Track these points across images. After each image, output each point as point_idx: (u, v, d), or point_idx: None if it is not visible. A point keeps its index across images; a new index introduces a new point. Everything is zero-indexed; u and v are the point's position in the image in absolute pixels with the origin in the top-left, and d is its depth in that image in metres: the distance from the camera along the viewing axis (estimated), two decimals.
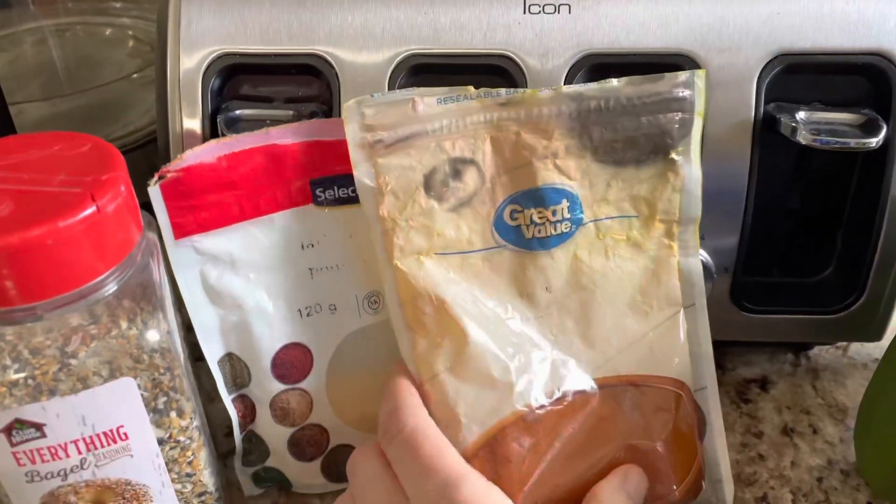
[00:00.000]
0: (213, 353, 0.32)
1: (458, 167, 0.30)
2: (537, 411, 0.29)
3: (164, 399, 0.27)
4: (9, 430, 0.24)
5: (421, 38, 0.34)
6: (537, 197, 0.31)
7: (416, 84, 0.35)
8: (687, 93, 0.31)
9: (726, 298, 0.37)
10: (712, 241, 0.36)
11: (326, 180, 0.31)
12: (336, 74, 0.34)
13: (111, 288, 0.25)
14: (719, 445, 0.32)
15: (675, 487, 0.31)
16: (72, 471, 0.26)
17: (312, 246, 0.32)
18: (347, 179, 0.31)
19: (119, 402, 0.25)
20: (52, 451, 0.25)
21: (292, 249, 0.31)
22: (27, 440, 0.25)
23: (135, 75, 0.52)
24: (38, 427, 0.24)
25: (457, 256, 0.31)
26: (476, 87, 0.35)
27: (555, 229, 0.31)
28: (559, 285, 0.31)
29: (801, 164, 0.37)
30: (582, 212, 0.31)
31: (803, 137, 0.33)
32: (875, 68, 0.34)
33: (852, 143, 0.33)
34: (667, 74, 0.31)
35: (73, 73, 0.53)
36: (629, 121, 0.31)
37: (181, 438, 0.28)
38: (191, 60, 0.34)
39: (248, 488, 0.35)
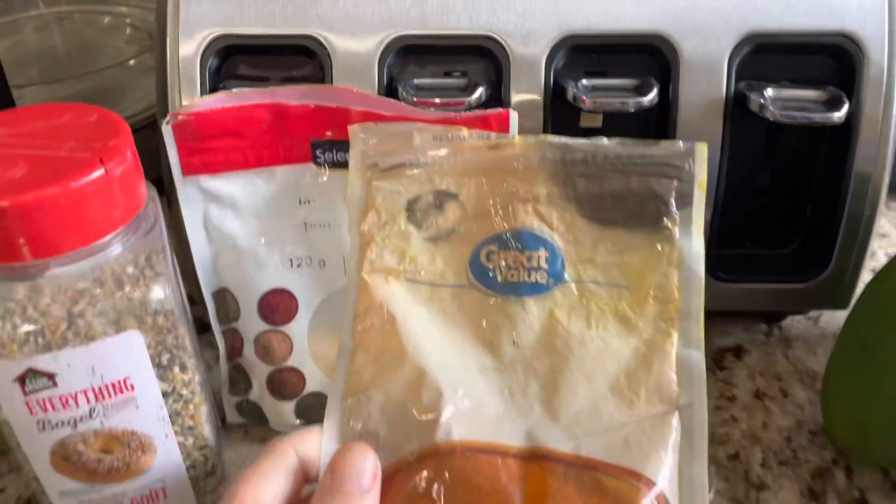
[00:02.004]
0: (208, 286, 0.35)
1: (441, 200, 0.31)
2: (459, 454, 0.27)
3: (168, 356, 0.29)
4: (22, 380, 0.26)
5: (409, 21, 0.36)
6: (514, 239, 0.30)
7: (404, 64, 0.37)
8: (685, 164, 0.30)
9: None
10: None
11: (327, 143, 0.34)
12: (328, 55, 0.36)
13: (117, 248, 0.27)
14: None
15: None
16: (81, 420, 0.27)
17: (309, 202, 0.34)
18: (346, 145, 0.33)
19: (126, 355, 0.27)
20: (63, 400, 0.27)
21: (290, 202, 0.34)
22: (39, 389, 0.26)
23: (132, 62, 0.54)
24: (51, 376, 0.26)
25: (426, 287, 0.30)
26: (461, 68, 0.37)
27: (528, 276, 0.30)
28: (529, 342, 0.29)
29: (771, 141, 0.39)
30: (564, 268, 0.30)
31: (771, 113, 0.35)
32: (839, 48, 0.36)
33: (817, 117, 0.35)
34: (663, 141, 0.30)
35: (73, 58, 0.54)
36: (616, 178, 0.30)
37: (184, 392, 0.30)
38: (189, 41, 0.36)
39: (231, 416, 0.38)
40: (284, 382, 0.37)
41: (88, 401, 0.27)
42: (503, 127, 0.33)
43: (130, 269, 0.28)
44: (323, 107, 0.33)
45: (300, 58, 0.37)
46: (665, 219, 0.29)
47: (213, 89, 0.36)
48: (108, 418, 0.28)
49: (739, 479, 0.36)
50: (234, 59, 0.37)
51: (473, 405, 0.29)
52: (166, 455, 0.30)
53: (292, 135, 0.34)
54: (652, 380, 0.28)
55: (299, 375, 0.37)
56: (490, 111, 0.33)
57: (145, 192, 0.28)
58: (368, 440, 0.28)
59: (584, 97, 0.35)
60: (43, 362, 0.26)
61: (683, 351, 0.29)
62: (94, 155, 0.25)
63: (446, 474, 0.27)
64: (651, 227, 0.30)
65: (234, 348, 0.37)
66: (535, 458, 0.28)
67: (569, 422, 0.28)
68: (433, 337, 0.30)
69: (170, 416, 0.29)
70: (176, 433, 0.30)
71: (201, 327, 0.35)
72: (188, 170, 0.33)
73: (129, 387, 0.27)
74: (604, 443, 0.28)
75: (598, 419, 0.28)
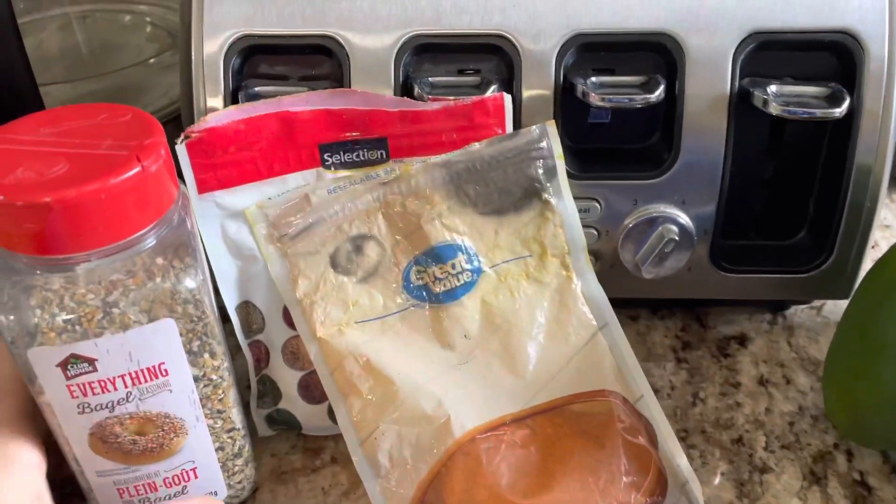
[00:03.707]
0: (231, 300, 0.36)
1: (358, 243, 0.34)
2: (479, 438, 0.32)
3: (198, 343, 0.30)
4: (65, 365, 0.27)
5: (424, 20, 0.37)
6: (434, 255, 0.34)
7: (418, 62, 0.38)
8: (543, 143, 0.35)
9: (706, 260, 0.40)
10: (693, 206, 0.39)
11: (334, 145, 0.35)
12: (346, 54, 0.37)
13: (150, 242, 0.28)
14: (673, 448, 0.34)
15: (636, 494, 0.32)
16: (118, 403, 0.29)
17: None
18: (353, 145, 0.35)
19: (161, 341, 0.29)
20: (102, 384, 0.28)
21: None
22: (80, 374, 0.28)
23: (152, 60, 0.55)
24: (91, 362, 0.28)
25: (375, 322, 0.34)
26: (474, 65, 0.39)
27: (458, 281, 0.34)
28: (476, 331, 0.35)
29: (774, 135, 0.40)
30: (479, 261, 0.35)
31: (774, 109, 0.36)
32: (841, 45, 0.37)
33: (818, 113, 0.36)
34: (520, 131, 0.35)
35: (95, 56, 0.56)
36: (497, 175, 0.35)
37: (213, 377, 0.31)
38: (213, 42, 0.37)
39: (261, 429, 0.39)
40: (316, 385, 0.37)
41: (126, 385, 0.29)
42: (498, 110, 0.35)
43: (160, 260, 0.29)
44: (329, 110, 0.35)
45: (319, 57, 0.38)
46: (542, 193, 0.35)
47: (236, 89, 0.38)
48: (143, 401, 0.29)
49: (743, 462, 0.38)
50: (255, 59, 0.39)
51: (464, 397, 0.33)
52: (197, 437, 0.31)
53: (301, 141, 0.35)
54: (572, 317, 0.35)
55: None
56: (487, 96, 0.35)
57: (177, 184, 0.30)
58: (398, 467, 0.32)
59: (593, 93, 0.36)
60: (84, 348, 0.27)
61: (584, 286, 0.36)
62: (132, 152, 0.26)
63: (479, 457, 0.32)
64: (535, 202, 0.35)
65: (259, 360, 0.37)
66: (528, 416, 0.33)
67: (533, 377, 0.34)
68: (404, 359, 0.34)
69: (200, 400, 0.31)
70: (206, 416, 0.31)
71: (225, 319, 0.36)
72: (203, 187, 0.34)
73: (164, 371, 0.29)
74: (565, 381, 0.34)
75: (551, 364, 0.34)
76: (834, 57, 0.38)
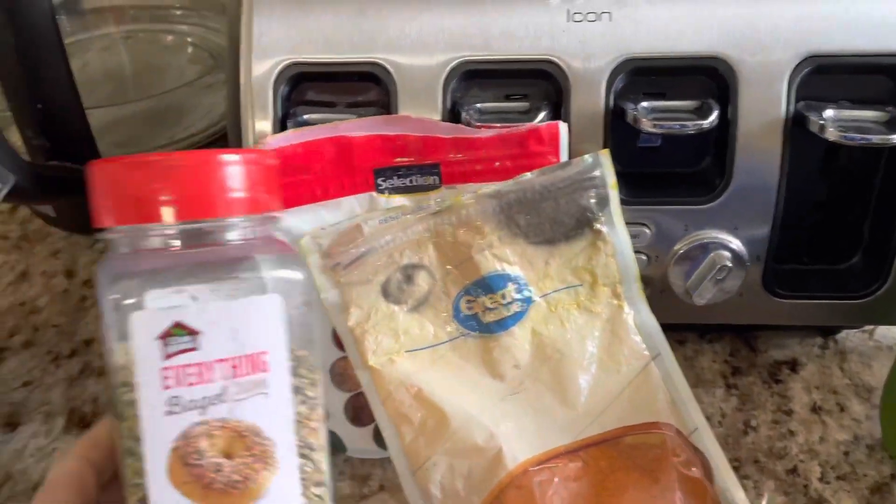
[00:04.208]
0: None
1: (409, 272, 0.34)
2: (531, 471, 0.32)
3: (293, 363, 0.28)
4: (166, 336, 0.26)
5: (472, 46, 0.37)
6: (485, 285, 0.34)
7: (466, 88, 0.38)
8: (596, 172, 0.34)
9: (758, 285, 0.40)
10: (745, 232, 0.38)
11: (388, 170, 0.36)
12: (394, 81, 0.37)
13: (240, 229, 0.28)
14: (729, 481, 0.33)
15: None
16: (212, 402, 0.27)
17: None
18: (407, 170, 0.35)
19: (266, 320, 0.27)
20: (200, 368, 0.27)
21: None
22: (180, 351, 0.26)
23: (194, 82, 0.55)
24: (194, 335, 0.26)
25: (426, 351, 0.34)
26: (522, 91, 0.38)
27: (508, 311, 0.34)
28: (526, 361, 0.34)
29: (829, 159, 0.39)
30: (529, 290, 0.34)
31: (830, 134, 0.35)
32: None
33: (875, 139, 0.35)
34: (573, 161, 0.35)
35: (138, 78, 0.56)
36: (549, 204, 0.34)
37: (310, 393, 0.29)
38: (262, 69, 0.37)
39: None
40: (363, 408, 0.37)
41: (223, 375, 0.27)
42: (553, 139, 0.35)
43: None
44: (385, 136, 0.35)
45: (366, 83, 0.38)
46: (595, 223, 0.35)
47: (284, 116, 0.38)
48: (237, 404, 0.27)
49: (799, 494, 0.37)
50: (304, 85, 0.39)
51: (515, 428, 0.33)
52: (285, 476, 0.28)
53: (356, 165, 0.35)
54: (624, 347, 0.35)
55: None
56: (541, 124, 0.35)
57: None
58: (450, 498, 0.32)
59: (644, 119, 0.36)
60: (189, 316, 0.26)
61: (636, 315, 0.35)
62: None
63: (532, 491, 0.31)
64: (586, 232, 0.35)
65: None
66: (581, 449, 0.33)
67: (585, 409, 0.34)
68: (454, 389, 0.33)
69: (294, 422, 0.28)
70: (298, 447, 0.28)
71: None
72: None
73: (264, 364, 0.27)
74: (618, 413, 0.34)
75: (603, 395, 0.34)
76: (891, 80, 0.37)
